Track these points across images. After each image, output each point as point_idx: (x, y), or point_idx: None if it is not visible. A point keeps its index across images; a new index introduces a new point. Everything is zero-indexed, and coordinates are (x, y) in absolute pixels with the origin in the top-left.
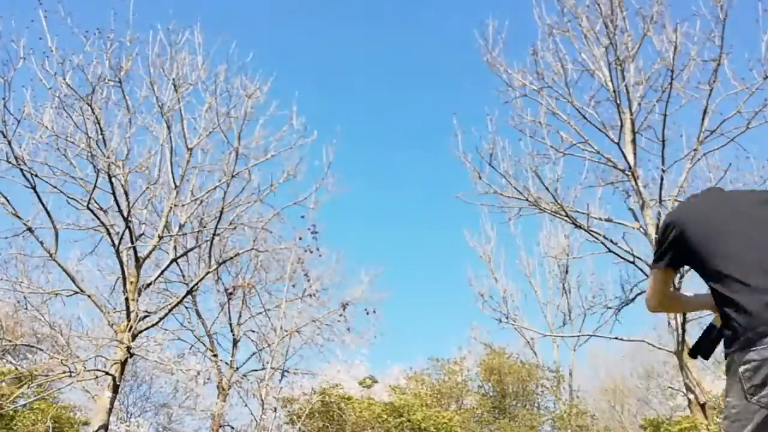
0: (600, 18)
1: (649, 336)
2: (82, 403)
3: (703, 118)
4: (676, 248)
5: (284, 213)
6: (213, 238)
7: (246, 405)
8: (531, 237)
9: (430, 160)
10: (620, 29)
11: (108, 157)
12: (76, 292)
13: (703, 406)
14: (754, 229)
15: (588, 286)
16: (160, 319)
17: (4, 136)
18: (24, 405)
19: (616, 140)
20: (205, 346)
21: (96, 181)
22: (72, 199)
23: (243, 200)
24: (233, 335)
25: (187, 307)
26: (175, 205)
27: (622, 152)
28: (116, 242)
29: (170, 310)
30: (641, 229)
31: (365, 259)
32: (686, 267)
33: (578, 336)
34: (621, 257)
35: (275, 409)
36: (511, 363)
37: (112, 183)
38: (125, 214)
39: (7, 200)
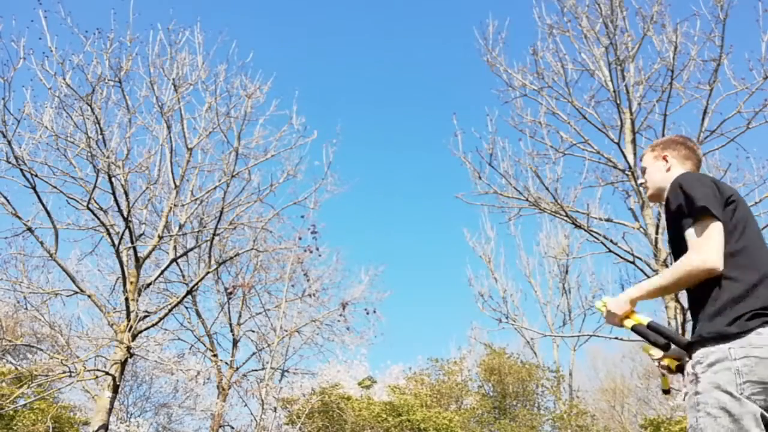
0: (600, 18)
1: None
2: (82, 403)
3: (703, 118)
4: (725, 214)
5: (284, 213)
6: (213, 238)
7: (246, 405)
8: (531, 237)
9: (430, 159)
10: (620, 29)
11: (108, 157)
12: (76, 292)
13: None
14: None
15: (588, 286)
16: (160, 319)
17: (4, 136)
18: (24, 405)
19: (616, 140)
20: (205, 346)
21: (96, 181)
22: (72, 199)
23: (243, 200)
24: (233, 335)
25: (187, 307)
26: (175, 205)
27: (622, 152)
28: (116, 242)
29: (170, 310)
30: (641, 229)
31: (365, 259)
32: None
33: (578, 336)
34: (621, 257)
35: (275, 409)
36: (511, 363)
37: (112, 183)
38: (125, 214)
39: (7, 200)
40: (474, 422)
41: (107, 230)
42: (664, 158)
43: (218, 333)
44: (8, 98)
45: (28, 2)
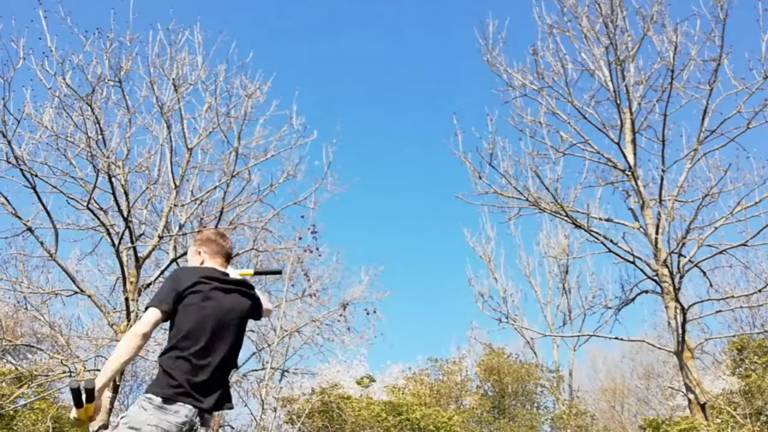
0: (600, 18)
1: (649, 336)
2: None
3: (703, 118)
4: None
5: (284, 213)
6: None
7: (246, 405)
8: (531, 237)
9: (430, 159)
10: (620, 29)
11: (108, 157)
12: (76, 292)
13: (703, 406)
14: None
15: (588, 286)
16: None
17: (4, 136)
18: (24, 405)
19: (616, 140)
20: None
21: (96, 181)
22: (72, 199)
23: (243, 200)
24: None
25: None
26: (175, 205)
27: (622, 152)
28: (116, 242)
29: None
30: (641, 229)
31: (365, 259)
32: None
33: (578, 336)
34: (621, 257)
35: (275, 409)
36: (511, 363)
37: (112, 183)
38: (125, 214)
39: (7, 200)
40: (473, 422)
41: (107, 230)
42: (199, 253)
43: None
44: (8, 98)
45: (28, 2)
